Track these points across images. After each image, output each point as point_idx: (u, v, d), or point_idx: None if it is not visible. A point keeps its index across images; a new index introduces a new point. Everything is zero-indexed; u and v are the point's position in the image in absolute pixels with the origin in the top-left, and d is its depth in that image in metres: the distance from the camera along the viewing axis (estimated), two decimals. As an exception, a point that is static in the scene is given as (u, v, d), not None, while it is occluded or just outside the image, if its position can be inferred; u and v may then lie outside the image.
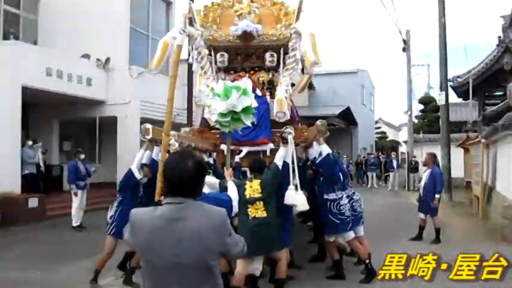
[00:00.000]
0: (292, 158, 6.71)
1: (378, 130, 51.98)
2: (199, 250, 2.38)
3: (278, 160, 6.60)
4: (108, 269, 7.61)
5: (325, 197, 7.41)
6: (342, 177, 7.65)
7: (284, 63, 8.76)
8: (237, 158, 7.81)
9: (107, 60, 17.18)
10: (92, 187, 13.88)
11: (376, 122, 51.37)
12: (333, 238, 7.54)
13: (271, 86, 8.92)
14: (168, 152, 4.99)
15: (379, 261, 8.62)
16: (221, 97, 4.74)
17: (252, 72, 9.03)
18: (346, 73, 35.22)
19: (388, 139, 54.67)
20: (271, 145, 8.12)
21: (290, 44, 8.64)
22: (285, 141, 6.70)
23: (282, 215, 6.58)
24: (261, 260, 6.31)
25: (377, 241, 10.61)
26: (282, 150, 6.69)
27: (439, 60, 19.79)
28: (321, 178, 7.61)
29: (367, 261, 7.47)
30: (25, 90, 13.94)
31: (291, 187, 6.61)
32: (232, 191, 5.01)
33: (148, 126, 6.85)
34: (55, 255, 9.62)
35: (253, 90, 8.26)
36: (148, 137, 6.96)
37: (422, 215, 10.81)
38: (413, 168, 24.55)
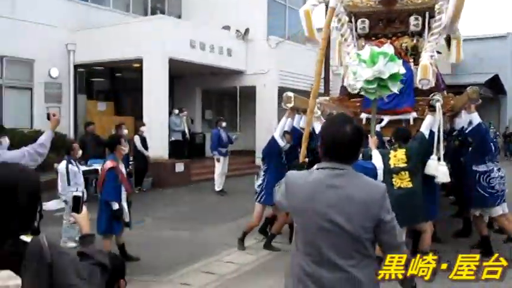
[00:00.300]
0: (439, 127, 6.41)
1: (530, 100, 47.77)
2: (353, 219, 2.35)
3: (425, 129, 6.34)
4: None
5: (474, 168, 7.01)
6: (493, 148, 7.19)
7: (429, 27, 8.27)
8: (378, 127, 7.60)
9: (246, 31, 17.57)
10: (232, 154, 14.41)
11: (528, 91, 47.18)
12: (479, 212, 7.14)
13: (414, 52, 8.44)
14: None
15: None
16: (367, 63, 4.61)
17: (394, 38, 8.60)
18: (494, 37, 32.60)
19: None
20: (414, 114, 7.78)
21: (436, 6, 8.15)
22: (433, 109, 6.38)
23: (427, 186, 6.36)
24: (404, 231, 6.17)
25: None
26: (428, 118, 6.40)
27: None
28: (470, 149, 7.22)
29: None
30: (171, 62, 14.74)
31: (433, 157, 6.34)
32: (377, 160, 4.93)
33: (290, 94, 6.91)
34: (201, 217, 10.22)
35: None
36: (290, 105, 7.01)
37: None
38: None
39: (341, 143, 2.43)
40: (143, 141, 13.34)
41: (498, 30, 36.23)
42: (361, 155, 5.66)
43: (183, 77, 18.48)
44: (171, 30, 14.95)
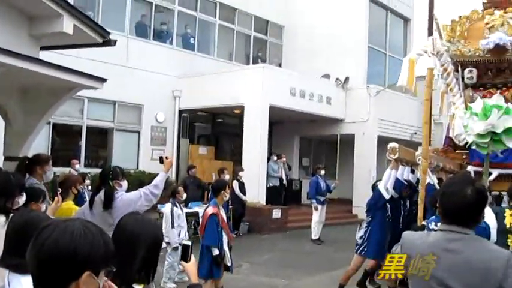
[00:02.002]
0: None
1: None
2: (471, 287, 2.24)
3: None
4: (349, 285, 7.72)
5: None
6: None
7: None
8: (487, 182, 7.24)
9: (346, 79, 17.62)
10: (330, 202, 14.27)
11: None
12: None
13: None
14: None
15: None
16: (479, 116, 4.44)
17: (504, 88, 8.32)
18: None
19: None
20: None
21: None
22: None
23: None
24: None
25: None
26: None
27: None
28: None
29: None
30: (271, 109, 15.04)
31: None
32: (490, 218, 4.66)
33: (395, 145, 6.78)
34: (297, 265, 10.12)
35: None
36: (395, 157, 6.88)
37: None
38: None
39: (461, 207, 2.34)
40: (241, 186, 13.55)
41: None
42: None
43: (281, 123, 18.75)
44: (272, 78, 15.31)
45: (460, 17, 8.73)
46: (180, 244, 7.87)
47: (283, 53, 20.75)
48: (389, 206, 7.48)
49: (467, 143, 5.39)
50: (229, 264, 6.55)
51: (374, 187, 7.84)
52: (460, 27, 8.62)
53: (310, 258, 11.04)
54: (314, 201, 12.91)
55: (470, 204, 2.34)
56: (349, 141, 17.51)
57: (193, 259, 2.58)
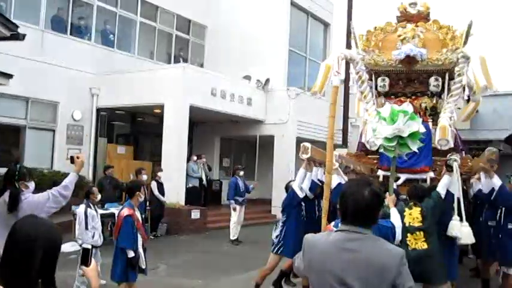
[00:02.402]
0: (459, 187, 6.38)
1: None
2: (368, 284, 2.33)
3: (441, 188, 6.29)
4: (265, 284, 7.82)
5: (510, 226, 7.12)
6: None
7: (449, 89, 8.36)
8: (394, 185, 7.54)
9: (267, 81, 17.84)
10: (248, 203, 14.38)
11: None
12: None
13: (433, 112, 8.51)
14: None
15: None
16: (387, 121, 4.63)
17: (413, 97, 8.67)
18: (514, 94, 32.66)
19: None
20: (432, 174, 7.77)
21: (456, 69, 8.23)
22: (450, 169, 6.35)
23: (445, 245, 6.28)
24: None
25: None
26: (445, 178, 6.36)
27: None
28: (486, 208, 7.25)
29: None
30: (192, 109, 14.95)
31: (456, 217, 6.28)
32: (396, 218, 4.89)
33: (308, 145, 6.92)
34: (215, 266, 10.14)
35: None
36: (306, 156, 7.01)
37: None
38: None
39: (358, 208, 2.44)
40: (160, 186, 13.40)
41: (518, 87, 36.19)
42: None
43: (203, 123, 18.72)
44: (193, 78, 15.20)
45: (375, 27, 9.03)
46: (94, 246, 7.67)
47: (206, 53, 20.69)
48: (304, 205, 7.65)
49: (378, 148, 5.61)
50: (143, 266, 6.45)
51: (288, 187, 8.00)
52: (375, 37, 8.91)
53: (228, 258, 11.09)
54: (232, 201, 12.96)
55: (367, 205, 2.45)
56: (269, 143, 17.76)
57: (94, 263, 2.52)
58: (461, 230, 6.21)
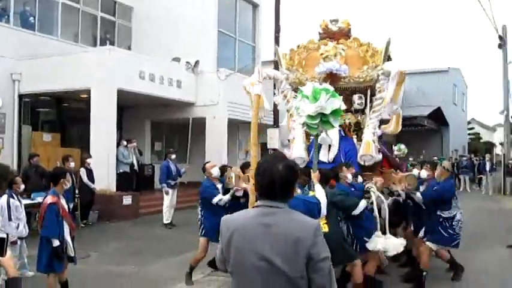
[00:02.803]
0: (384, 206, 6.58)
1: (471, 131, 49.60)
2: (288, 259, 2.35)
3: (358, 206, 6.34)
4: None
5: (439, 213, 7.39)
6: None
7: (371, 105, 8.52)
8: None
9: (196, 63, 17.67)
10: (181, 186, 14.30)
11: (469, 123, 49.04)
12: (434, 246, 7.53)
13: (357, 128, 8.69)
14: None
15: (473, 269, 8.36)
16: (310, 99, 4.69)
17: None
18: (436, 72, 34.04)
19: (482, 140, 52.15)
20: None
21: (377, 85, 8.38)
22: (368, 195, 6.41)
23: (354, 224, 6.51)
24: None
25: (470, 248, 10.20)
26: (362, 202, 6.35)
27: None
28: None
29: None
30: (120, 93, 14.62)
31: (378, 233, 6.42)
32: (321, 194, 4.99)
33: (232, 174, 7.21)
34: (148, 251, 10.04)
35: (340, 132, 8.29)
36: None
37: (520, 221, 10.28)
38: (511, 171, 23.24)
39: (273, 182, 2.46)
40: (89, 173, 13.08)
41: (440, 65, 37.78)
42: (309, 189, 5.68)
43: (133, 108, 18.36)
44: (120, 61, 14.83)
45: (298, 46, 9.08)
46: (19, 238, 7.41)
47: (133, 35, 20.18)
48: (220, 187, 7.85)
49: (303, 126, 5.65)
50: (72, 255, 6.30)
51: (204, 169, 8.06)
52: (298, 55, 8.97)
53: (161, 243, 11.01)
54: (165, 185, 12.88)
55: (282, 179, 2.47)
56: (200, 125, 17.64)
57: (9, 252, 2.44)
58: (386, 243, 6.35)
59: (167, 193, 12.86)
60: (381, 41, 8.71)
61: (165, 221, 12.87)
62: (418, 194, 7.48)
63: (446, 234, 7.31)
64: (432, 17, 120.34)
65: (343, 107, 4.90)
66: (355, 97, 8.58)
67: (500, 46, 24.53)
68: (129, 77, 14.91)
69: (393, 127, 10.01)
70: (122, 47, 18.06)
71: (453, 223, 7.33)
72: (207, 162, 8.33)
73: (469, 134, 47.23)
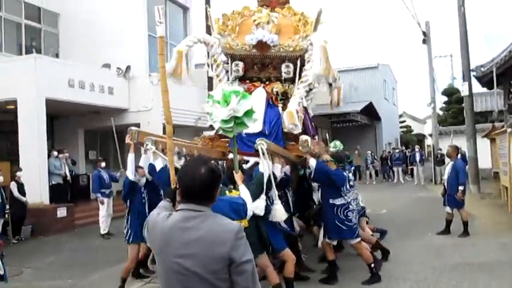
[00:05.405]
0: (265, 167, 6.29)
1: (403, 124, 51.29)
2: (201, 262, 2.35)
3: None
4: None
5: (331, 202, 7.36)
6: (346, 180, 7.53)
7: (300, 75, 8.54)
8: (245, 166, 7.20)
9: (127, 68, 17.37)
10: (118, 194, 14.00)
11: (401, 116, 50.71)
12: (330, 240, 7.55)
13: (284, 97, 8.62)
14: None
15: (406, 256, 8.65)
16: (221, 103, 4.64)
17: (267, 82, 8.79)
18: (367, 68, 35.00)
19: (413, 133, 54.03)
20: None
21: (306, 55, 8.41)
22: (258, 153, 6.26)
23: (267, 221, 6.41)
24: None
25: (404, 236, 10.57)
26: (259, 161, 6.29)
27: (460, 50, 19.56)
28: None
29: (372, 265, 7.36)
30: (49, 102, 14.15)
31: (263, 196, 6.01)
32: (246, 195, 5.01)
33: (134, 129, 6.92)
34: (84, 263, 9.76)
35: (267, 100, 8.30)
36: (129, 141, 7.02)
37: (448, 209, 10.69)
38: (440, 161, 24.16)
39: (195, 185, 2.45)
40: (20, 187, 12.61)
41: (370, 62, 38.91)
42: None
43: (64, 117, 17.84)
44: (47, 70, 14.36)
45: (233, 11, 9.01)
46: None
47: (60, 42, 19.56)
48: (145, 188, 7.85)
49: (218, 130, 5.64)
50: (1, 273, 6.07)
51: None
52: (231, 21, 8.90)
53: (98, 254, 10.74)
54: (99, 195, 12.61)
55: (204, 182, 2.46)
56: (135, 131, 17.34)
57: None
58: (273, 209, 6.32)
59: (102, 202, 12.57)
60: (315, 11, 8.69)
61: (102, 232, 12.58)
62: (313, 160, 7.29)
63: (345, 228, 7.27)
64: (361, 15, 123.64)
65: (255, 106, 4.91)
66: (283, 66, 8.56)
67: (424, 41, 25.45)
68: (58, 86, 14.47)
69: (335, 101, 10.26)
70: (49, 55, 17.56)
71: (348, 213, 7.29)
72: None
73: (401, 127, 48.82)
